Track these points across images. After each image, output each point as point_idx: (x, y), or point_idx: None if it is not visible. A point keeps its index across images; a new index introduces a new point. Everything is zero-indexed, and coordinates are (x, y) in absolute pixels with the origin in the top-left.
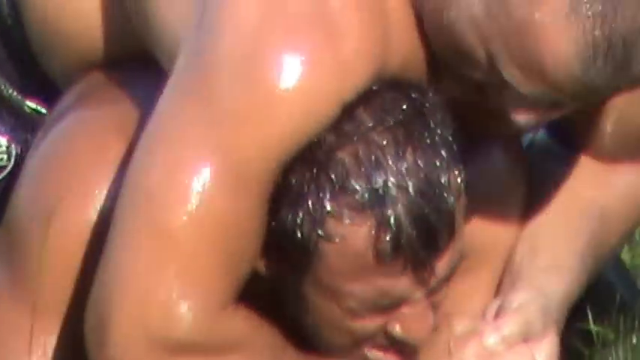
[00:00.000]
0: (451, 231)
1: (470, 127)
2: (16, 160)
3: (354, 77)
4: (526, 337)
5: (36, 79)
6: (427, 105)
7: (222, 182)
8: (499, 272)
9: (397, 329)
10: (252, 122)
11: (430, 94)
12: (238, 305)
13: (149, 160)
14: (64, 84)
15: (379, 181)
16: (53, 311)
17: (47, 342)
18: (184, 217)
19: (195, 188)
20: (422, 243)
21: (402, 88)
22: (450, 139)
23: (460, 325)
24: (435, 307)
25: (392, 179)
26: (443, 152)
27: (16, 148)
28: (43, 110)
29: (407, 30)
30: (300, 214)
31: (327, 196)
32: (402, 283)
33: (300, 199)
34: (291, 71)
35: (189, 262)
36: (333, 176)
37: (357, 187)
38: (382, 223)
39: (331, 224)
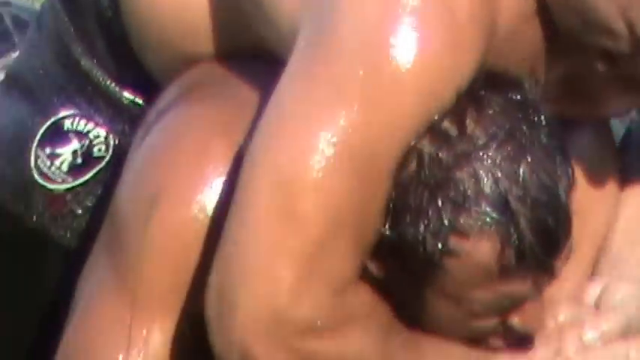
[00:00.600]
0: (568, 231)
1: (561, 112)
2: (114, 151)
3: (468, 56)
4: (625, 335)
5: (134, 71)
6: (530, 105)
7: (348, 165)
8: (592, 257)
9: (516, 322)
10: (376, 105)
11: (529, 89)
12: (357, 283)
13: (274, 143)
14: (162, 78)
15: (499, 197)
16: (153, 305)
17: (147, 335)
18: (312, 198)
19: (321, 170)
20: (544, 250)
21: (503, 88)
22: (556, 135)
23: (563, 314)
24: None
25: (511, 193)
26: (553, 154)
27: (114, 139)
28: (141, 102)
29: (515, 4)
30: (422, 231)
31: (449, 214)
32: (524, 288)
33: (420, 218)
34: (411, 54)
35: (317, 242)
36: (453, 195)
37: (479, 205)
38: (505, 238)
39: (455, 241)
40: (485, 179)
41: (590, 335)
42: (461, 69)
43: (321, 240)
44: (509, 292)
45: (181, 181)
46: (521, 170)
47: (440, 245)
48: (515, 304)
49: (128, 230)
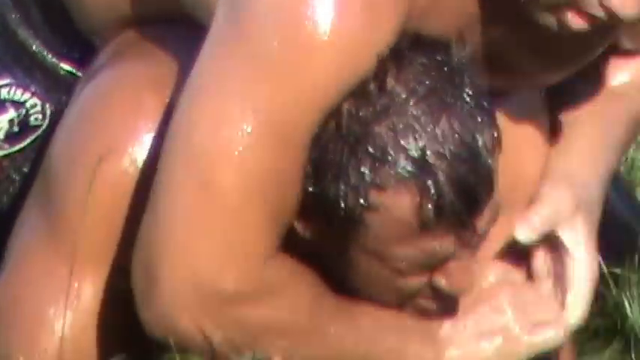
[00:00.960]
0: (490, 189)
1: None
2: (50, 119)
3: (385, 24)
4: (555, 224)
5: (71, 40)
6: (454, 66)
7: (264, 136)
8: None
9: (442, 283)
10: (290, 77)
11: (455, 52)
12: (279, 254)
13: (193, 116)
14: (99, 43)
15: (418, 151)
16: (89, 259)
17: (82, 289)
18: (229, 172)
19: (238, 143)
20: (464, 206)
21: (427, 49)
22: (481, 97)
23: (493, 274)
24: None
25: (430, 148)
26: (476, 113)
27: (51, 108)
28: (78, 73)
29: None
30: (343, 187)
31: (368, 169)
32: (446, 244)
33: (341, 173)
34: (325, 25)
35: (235, 215)
36: (372, 150)
37: (397, 159)
38: (424, 191)
39: (374, 195)
40: (404, 133)
41: (522, 235)
42: (377, 45)
43: (239, 211)
44: (431, 249)
45: (116, 139)
46: (441, 125)
47: (360, 200)
48: (439, 261)
49: (65, 187)
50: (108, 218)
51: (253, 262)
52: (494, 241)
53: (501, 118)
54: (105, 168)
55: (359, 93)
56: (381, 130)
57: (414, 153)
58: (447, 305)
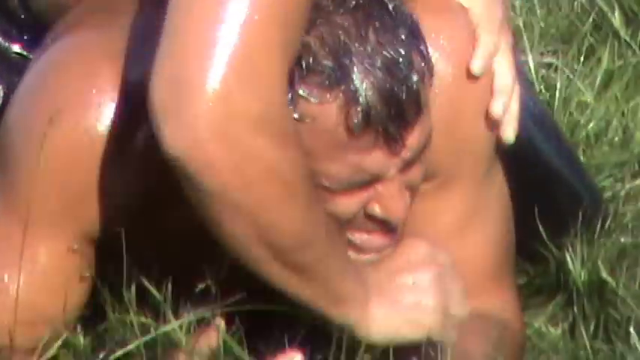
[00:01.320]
0: (417, 106)
1: None
2: (3, 100)
3: None
4: None
5: (21, 24)
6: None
7: None
8: (472, 188)
9: (376, 209)
10: None
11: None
12: None
13: None
14: (49, 23)
15: (345, 60)
16: (43, 223)
17: (37, 252)
18: None
19: None
20: (390, 116)
21: None
22: (411, 23)
23: (420, 250)
24: (411, 190)
25: (357, 57)
26: (402, 33)
27: (3, 89)
28: (29, 55)
29: None
30: None
31: (297, 79)
32: (374, 158)
33: None
34: None
35: (269, 40)
36: (302, 60)
37: (324, 68)
38: (350, 100)
39: (303, 106)
40: (331, 42)
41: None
42: None
43: (272, 37)
44: (360, 163)
45: (71, 104)
46: (368, 37)
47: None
48: (368, 178)
49: (15, 151)
50: (61, 182)
51: (279, 93)
52: (433, 215)
53: (447, 86)
54: (57, 131)
55: None
56: (309, 40)
57: (341, 62)
58: (383, 240)
